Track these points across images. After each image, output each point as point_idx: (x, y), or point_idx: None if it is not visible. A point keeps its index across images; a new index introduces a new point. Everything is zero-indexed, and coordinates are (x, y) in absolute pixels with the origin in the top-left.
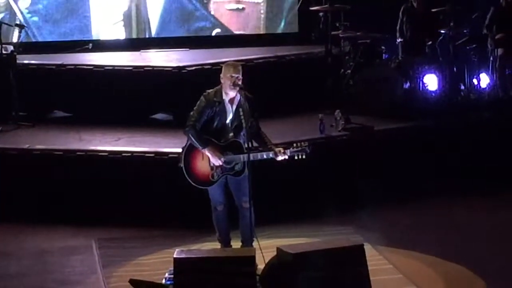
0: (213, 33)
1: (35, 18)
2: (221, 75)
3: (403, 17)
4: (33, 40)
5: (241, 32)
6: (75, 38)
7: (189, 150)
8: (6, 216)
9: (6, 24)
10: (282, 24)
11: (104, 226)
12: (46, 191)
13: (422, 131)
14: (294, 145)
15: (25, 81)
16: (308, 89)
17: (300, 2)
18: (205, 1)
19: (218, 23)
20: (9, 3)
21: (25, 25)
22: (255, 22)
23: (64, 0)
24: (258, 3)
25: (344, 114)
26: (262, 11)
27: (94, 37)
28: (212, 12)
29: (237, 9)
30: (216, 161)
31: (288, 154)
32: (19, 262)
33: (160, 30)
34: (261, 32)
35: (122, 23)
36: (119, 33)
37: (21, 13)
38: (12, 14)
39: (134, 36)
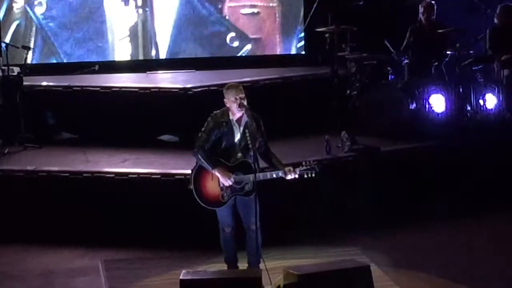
0: (228, 37)
1: (51, 24)
2: (225, 100)
3: (410, 38)
4: (50, 43)
5: (257, 36)
6: (92, 43)
7: (199, 172)
8: (12, 238)
9: (12, 46)
10: (298, 27)
11: (111, 247)
12: (52, 212)
13: (428, 152)
14: (303, 163)
15: (31, 103)
16: (314, 110)
17: (307, 21)
18: (219, 6)
19: (233, 28)
20: (25, 9)
21: (31, 47)
22: (271, 25)
23: (79, 5)
24: (273, 7)
25: (350, 135)
26: (277, 15)
27: (110, 42)
28: (227, 17)
29: (252, 13)
30: (226, 182)
31: (298, 173)
32: (25, 283)
33: (175, 35)
34: (277, 36)
35: (128, 35)
36: (128, 43)
37: (37, 18)
38: (28, 20)
39: (140, 46)
